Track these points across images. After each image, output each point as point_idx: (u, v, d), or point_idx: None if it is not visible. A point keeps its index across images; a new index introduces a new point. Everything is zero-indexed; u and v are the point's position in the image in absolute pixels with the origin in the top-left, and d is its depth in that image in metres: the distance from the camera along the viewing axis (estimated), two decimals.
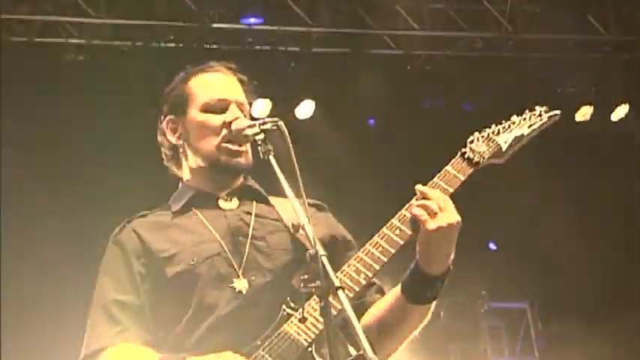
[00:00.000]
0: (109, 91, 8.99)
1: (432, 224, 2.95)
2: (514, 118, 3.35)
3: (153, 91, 8.77)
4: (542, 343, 11.15)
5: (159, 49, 8.88)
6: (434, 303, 3.14)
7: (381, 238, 3.03)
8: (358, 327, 2.48)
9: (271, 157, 2.92)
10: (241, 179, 3.34)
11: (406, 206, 3.06)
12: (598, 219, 10.77)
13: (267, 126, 2.99)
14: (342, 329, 2.83)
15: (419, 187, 3.06)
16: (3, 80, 8.59)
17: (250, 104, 3.35)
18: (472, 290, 10.92)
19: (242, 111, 3.26)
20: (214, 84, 3.30)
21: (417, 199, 3.03)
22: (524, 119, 3.35)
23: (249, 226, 3.18)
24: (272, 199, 3.32)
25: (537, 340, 11.23)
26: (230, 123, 3.18)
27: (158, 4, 8.91)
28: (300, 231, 2.98)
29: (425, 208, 2.97)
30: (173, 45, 8.88)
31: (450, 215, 2.97)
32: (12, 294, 8.42)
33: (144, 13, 8.88)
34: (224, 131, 3.19)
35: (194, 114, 3.27)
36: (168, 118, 3.33)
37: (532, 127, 3.33)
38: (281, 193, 2.91)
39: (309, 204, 3.15)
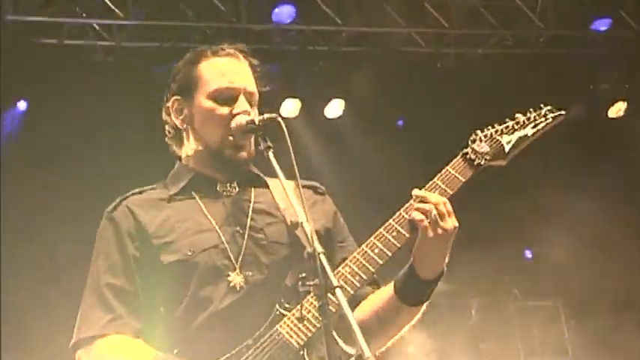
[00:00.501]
0: (137, 92, 9.00)
1: (431, 231, 2.94)
2: (518, 116, 3.27)
3: None
4: (575, 341, 11.03)
5: (187, 49, 8.86)
6: (426, 303, 3.12)
7: (378, 240, 2.99)
8: (356, 327, 2.44)
9: (270, 154, 2.89)
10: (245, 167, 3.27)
11: (405, 207, 3.02)
12: (632, 216, 10.63)
13: (267, 122, 2.98)
14: (336, 328, 2.72)
15: (416, 191, 3.01)
16: (33, 82, 8.64)
17: (260, 92, 3.27)
18: (503, 289, 10.84)
19: (251, 100, 3.18)
20: (225, 70, 3.18)
21: (414, 202, 3.00)
22: (529, 119, 3.26)
23: (247, 216, 3.13)
24: (271, 183, 3.22)
25: (570, 338, 11.12)
26: (236, 115, 3.11)
27: (186, 4, 8.91)
28: (285, 217, 3.02)
29: (425, 213, 2.95)
30: (201, 45, 8.87)
31: (448, 221, 2.95)
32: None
33: (172, 14, 8.88)
34: (229, 123, 3.11)
35: (201, 99, 3.17)
36: (174, 98, 3.24)
37: (536, 128, 3.25)
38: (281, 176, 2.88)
39: (306, 185, 3.21)
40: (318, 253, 2.58)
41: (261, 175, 3.24)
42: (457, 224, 2.96)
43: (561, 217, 10.05)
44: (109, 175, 8.06)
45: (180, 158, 3.29)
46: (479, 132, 3.20)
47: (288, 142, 2.81)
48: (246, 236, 3.08)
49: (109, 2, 8.64)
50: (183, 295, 2.99)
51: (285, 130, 2.86)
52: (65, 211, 8.57)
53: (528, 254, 11.50)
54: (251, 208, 3.15)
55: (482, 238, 9.70)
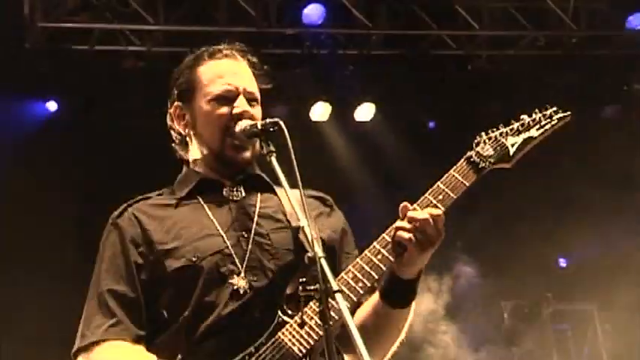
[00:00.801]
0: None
1: (417, 251, 2.90)
2: (524, 117, 3.17)
3: None
4: (609, 346, 10.91)
5: None
6: (414, 303, 3.09)
7: (381, 245, 2.95)
8: (355, 332, 2.42)
9: (273, 159, 2.88)
10: (249, 170, 3.23)
11: (390, 228, 2.95)
12: None
13: (269, 127, 2.96)
14: (339, 338, 2.71)
15: (409, 213, 2.93)
16: (65, 89, 8.69)
17: (262, 90, 3.26)
18: (537, 292, 10.74)
19: (250, 99, 3.17)
20: (222, 72, 3.18)
21: (402, 219, 2.93)
22: (534, 120, 3.17)
23: (252, 221, 3.10)
24: (278, 188, 3.19)
25: (605, 342, 11.00)
26: (237, 115, 3.10)
27: (217, 9, 8.93)
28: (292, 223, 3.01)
29: (409, 231, 2.90)
30: None
31: (434, 238, 2.91)
32: None
33: (202, 19, 8.90)
34: (230, 123, 3.10)
35: (201, 103, 3.17)
36: (175, 104, 3.24)
37: (542, 129, 3.15)
38: (290, 183, 2.85)
39: (314, 196, 3.22)
40: (319, 258, 2.55)
41: (268, 180, 3.22)
42: (443, 236, 2.92)
43: (596, 220, 9.95)
44: (135, 178, 8.10)
45: (187, 163, 3.28)
46: (483, 135, 3.15)
47: (290, 147, 2.81)
48: (251, 241, 3.05)
49: (139, 8, 8.68)
50: (188, 300, 2.97)
51: (287, 135, 2.86)
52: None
53: (562, 263, 11.39)
54: (257, 213, 3.13)
55: (516, 241, 9.65)
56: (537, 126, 3.16)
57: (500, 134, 3.14)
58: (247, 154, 3.12)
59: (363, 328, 2.94)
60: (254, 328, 2.89)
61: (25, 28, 8.47)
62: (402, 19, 9.55)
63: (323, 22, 9.22)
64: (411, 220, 2.91)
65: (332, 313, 2.55)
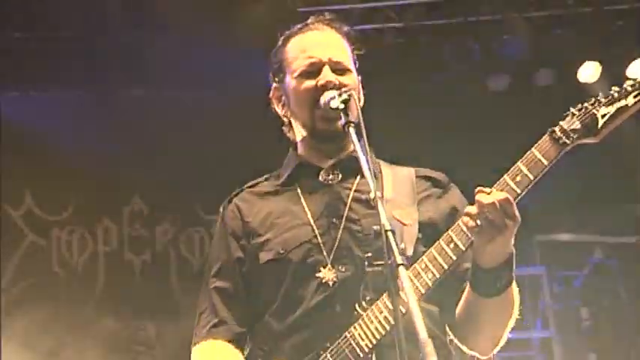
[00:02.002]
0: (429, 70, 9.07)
1: (485, 239, 2.73)
2: (615, 88, 2.79)
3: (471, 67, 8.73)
4: None
5: (476, 22, 8.78)
6: (515, 288, 2.91)
7: (455, 233, 2.80)
8: (417, 309, 2.29)
9: (351, 129, 2.80)
10: (350, 148, 3.11)
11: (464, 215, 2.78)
12: None
13: (344, 97, 2.89)
14: (454, 327, 2.75)
15: (477, 197, 2.74)
16: None
17: (356, 56, 3.16)
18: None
19: (338, 69, 3.08)
20: (305, 45, 3.13)
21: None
22: (633, 86, 2.77)
23: (346, 205, 3.00)
24: (385, 168, 3.11)
25: None
26: (322, 87, 3.02)
27: None
28: (391, 211, 2.84)
29: (473, 216, 2.73)
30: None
31: (502, 225, 2.70)
32: None
33: None
34: (316, 95, 3.03)
35: (289, 80, 3.14)
36: (274, 85, 3.23)
37: (638, 97, 2.74)
38: (395, 161, 2.82)
39: (426, 176, 3.12)
40: (386, 231, 2.44)
41: (365, 161, 3.03)
42: (517, 219, 2.72)
43: None
44: None
45: (294, 145, 3.26)
46: (572, 109, 2.81)
47: (360, 118, 2.76)
48: (341, 227, 2.97)
49: None
50: (277, 293, 2.96)
51: (357, 105, 2.85)
52: None
53: None
54: (350, 197, 3.03)
55: None
56: (635, 93, 2.76)
57: (593, 104, 2.79)
58: (339, 124, 2.97)
59: (464, 317, 2.94)
60: (340, 320, 2.84)
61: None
62: None
63: None
64: (478, 206, 2.72)
65: (402, 309, 2.46)
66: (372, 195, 2.55)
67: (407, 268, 2.48)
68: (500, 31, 8.89)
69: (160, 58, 8.42)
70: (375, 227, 2.54)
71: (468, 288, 2.93)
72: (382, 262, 2.47)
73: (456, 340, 3.03)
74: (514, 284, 2.92)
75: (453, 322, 3.02)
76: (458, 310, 2.99)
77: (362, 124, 2.80)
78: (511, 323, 3.00)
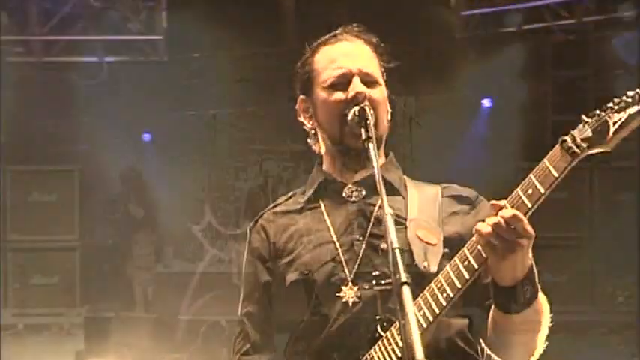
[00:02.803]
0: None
1: (497, 258, 2.58)
2: (629, 93, 2.51)
3: None
4: None
5: None
6: (542, 296, 2.74)
7: (469, 250, 2.66)
8: (415, 327, 2.27)
9: (371, 146, 2.70)
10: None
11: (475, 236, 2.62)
12: None
13: (361, 113, 2.82)
14: (489, 344, 2.59)
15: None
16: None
17: (384, 68, 3.03)
18: None
19: (367, 80, 2.96)
20: (334, 56, 3.03)
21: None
22: None
23: (369, 222, 2.92)
24: (412, 187, 3.02)
25: None
26: (353, 98, 2.92)
27: None
28: (409, 226, 2.83)
29: (492, 241, 2.56)
30: None
31: (512, 242, 2.56)
32: None
33: None
34: (346, 109, 2.92)
35: (318, 92, 3.03)
36: (300, 97, 3.12)
37: None
38: (420, 179, 2.76)
39: (452, 196, 3.00)
40: (393, 248, 2.38)
41: (395, 182, 3.01)
42: (528, 236, 2.56)
43: None
44: None
45: (320, 159, 3.15)
46: (591, 113, 2.57)
47: (372, 130, 2.73)
48: (364, 244, 2.89)
49: None
50: (304, 314, 2.90)
51: (370, 118, 2.78)
52: None
53: None
54: (374, 214, 2.94)
55: None
56: None
57: (605, 110, 2.55)
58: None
59: (493, 332, 2.82)
60: (358, 344, 2.78)
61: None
62: None
63: None
64: (486, 226, 2.57)
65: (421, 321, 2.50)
66: (387, 211, 2.51)
67: (426, 286, 2.53)
68: None
69: None
70: (382, 246, 2.56)
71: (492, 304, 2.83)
72: (389, 282, 2.49)
73: (493, 355, 2.91)
74: (540, 294, 2.78)
75: (485, 335, 2.92)
76: (488, 324, 2.88)
77: (380, 139, 2.84)
78: (543, 334, 2.88)
